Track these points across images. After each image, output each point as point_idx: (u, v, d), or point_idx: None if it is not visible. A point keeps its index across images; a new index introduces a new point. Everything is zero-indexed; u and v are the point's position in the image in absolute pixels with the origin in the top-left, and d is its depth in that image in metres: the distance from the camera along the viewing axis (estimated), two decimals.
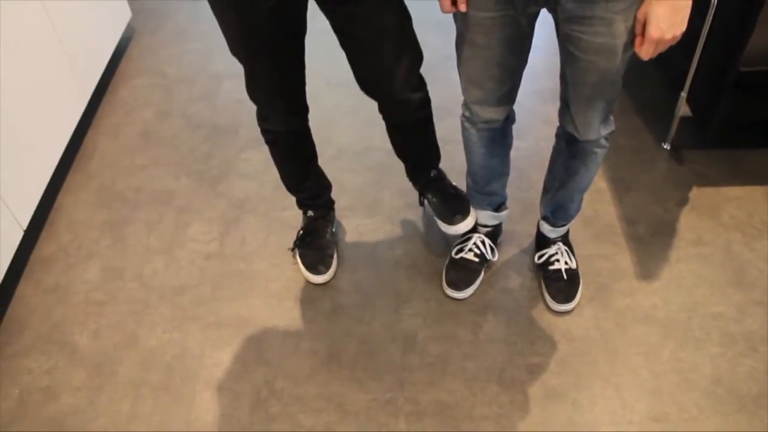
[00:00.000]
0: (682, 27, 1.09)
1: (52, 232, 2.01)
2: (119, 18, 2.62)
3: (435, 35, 2.57)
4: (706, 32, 1.83)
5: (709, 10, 1.78)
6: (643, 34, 1.13)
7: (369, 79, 1.48)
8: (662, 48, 1.13)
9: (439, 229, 1.78)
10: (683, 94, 2.00)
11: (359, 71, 1.47)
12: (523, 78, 1.43)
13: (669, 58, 1.36)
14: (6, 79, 1.78)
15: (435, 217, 1.78)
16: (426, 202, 1.82)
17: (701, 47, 1.86)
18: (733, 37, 1.74)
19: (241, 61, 1.42)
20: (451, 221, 1.73)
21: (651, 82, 2.40)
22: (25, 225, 1.87)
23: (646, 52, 1.14)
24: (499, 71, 1.35)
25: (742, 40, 1.72)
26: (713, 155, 2.11)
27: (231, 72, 2.57)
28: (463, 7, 1.25)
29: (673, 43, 1.12)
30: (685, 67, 1.95)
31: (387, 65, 1.42)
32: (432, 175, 1.78)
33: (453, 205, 1.75)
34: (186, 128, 2.35)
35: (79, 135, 2.33)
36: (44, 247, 1.97)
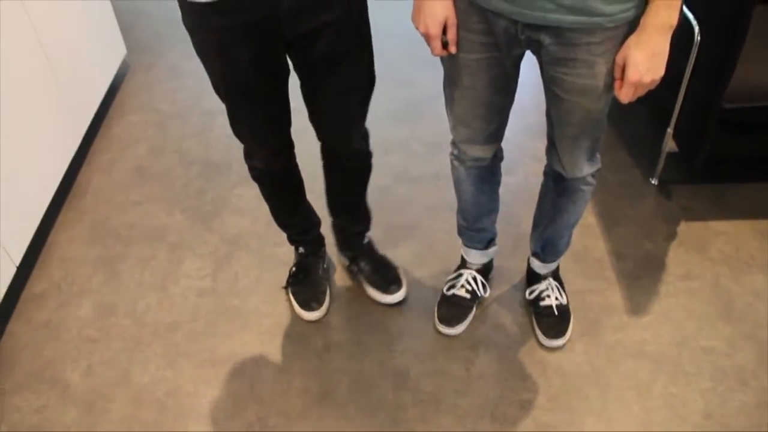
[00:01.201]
0: (660, 71, 1.12)
1: (45, 268, 2.01)
2: (114, 54, 2.66)
3: (425, 73, 2.61)
4: (690, 70, 1.87)
5: (693, 49, 1.83)
6: (622, 77, 1.16)
7: (332, 138, 1.55)
8: (641, 92, 1.16)
9: (431, 265, 1.79)
10: (669, 131, 2.04)
11: (324, 129, 1.54)
12: (511, 114, 1.46)
13: (655, 96, 1.39)
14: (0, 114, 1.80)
15: (366, 285, 1.85)
16: (355, 269, 1.87)
17: (686, 85, 1.91)
18: (716, 75, 1.78)
19: (223, 100, 1.45)
20: (387, 291, 1.81)
21: (638, 118, 2.44)
22: (17, 261, 1.87)
23: (625, 95, 1.16)
24: (485, 111, 1.38)
25: (724, 78, 1.76)
26: (700, 190, 2.14)
27: (224, 109, 2.58)
28: (453, 50, 1.28)
29: (652, 87, 1.15)
30: (671, 104, 1.99)
31: (349, 124, 1.51)
32: (365, 242, 1.85)
33: (386, 275, 1.84)
34: (180, 164, 2.37)
35: (72, 171, 2.35)
36: (36, 283, 1.97)
